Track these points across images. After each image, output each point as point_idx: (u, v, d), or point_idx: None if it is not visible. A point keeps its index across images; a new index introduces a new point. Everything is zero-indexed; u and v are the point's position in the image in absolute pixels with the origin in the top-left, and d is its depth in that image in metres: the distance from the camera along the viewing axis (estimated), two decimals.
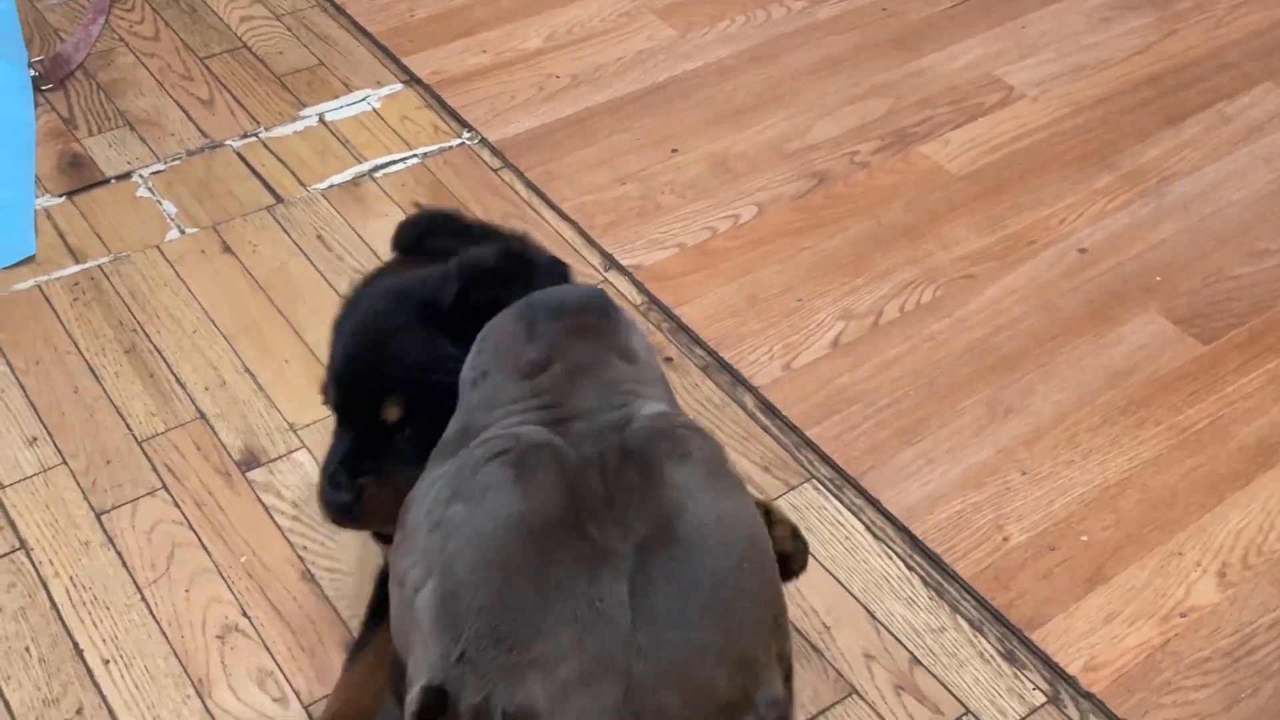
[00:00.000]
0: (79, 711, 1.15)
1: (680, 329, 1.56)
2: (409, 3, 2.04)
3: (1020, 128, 1.86)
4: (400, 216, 1.66)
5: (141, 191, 1.69)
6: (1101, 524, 1.35)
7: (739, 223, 1.70)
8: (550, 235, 1.67)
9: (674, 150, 1.81)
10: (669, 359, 1.52)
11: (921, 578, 1.30)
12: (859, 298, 1.60)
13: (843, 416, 1.45)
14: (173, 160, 1.74)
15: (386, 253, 1.61)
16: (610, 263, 1.64)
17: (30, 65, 1.82)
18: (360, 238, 1.65)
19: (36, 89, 1.81)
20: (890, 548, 1.33)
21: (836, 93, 1.91)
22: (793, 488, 1.38)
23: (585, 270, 1.62)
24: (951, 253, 1.66)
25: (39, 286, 1.55)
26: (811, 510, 1.36)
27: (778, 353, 1.53)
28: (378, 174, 1.74)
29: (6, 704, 1.15)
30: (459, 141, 1.81)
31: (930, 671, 1.22)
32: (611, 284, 1.61)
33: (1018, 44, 2.02)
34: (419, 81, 1.90)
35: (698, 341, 1.55)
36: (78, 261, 1.59)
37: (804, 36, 2.02)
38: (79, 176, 1.71)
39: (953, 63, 1.98)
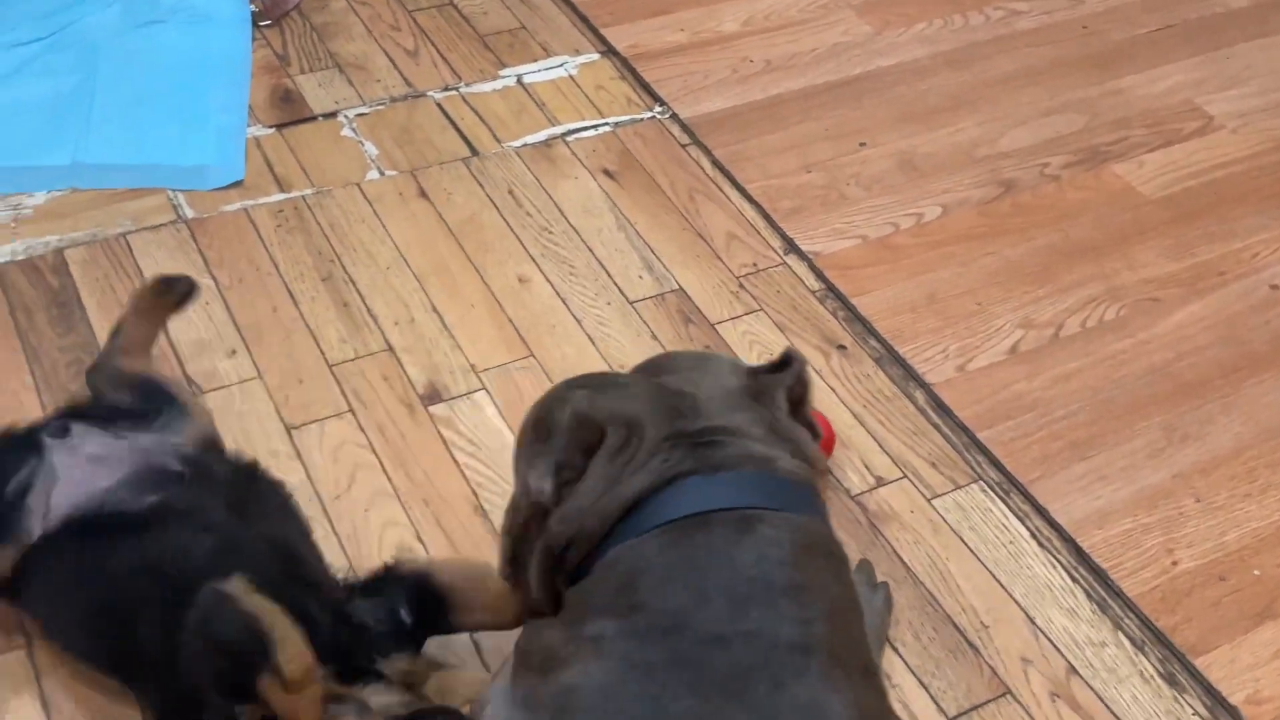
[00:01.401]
0: None
1: (856, 319, 1.57)
2: None
3: (1218, 158, 1.82)
4: (589, 181, 1.71)
5: (346, 131, 1.75)
6: (1275, 560, 1.32)
7: (922, 221, 1.70)
8: (733, 214, 1.69)
9: (862, 144, 1.82)
10: (842, 346, 1.53)
11: (1085, 590, 1.29)
12: (1040, 308, 1.58)
13: (1016, 423, 1.44)
14: (377, 105, 1.80)
15: (573, 213, 1.66)
16: (790, 247, 1.65)
17: (251, 1, 1.90)
18: (549, 196, 1.69)
19: (255, 24, 1.89)
20: (1055, 557, 1.32)
21: (1031, 104, 1.90)
22: (959, 487, 1.38)
23: (764, 253, 1.64)
24: (1138, 274, 1.64)
25: (246, 210, 1.62)
26: (977, 511, 1.35)
27: (953, 353, 1.53)
28: (569, 138, 1.78)
29: None
30: (650, 114, 1.84)
31: (1088, 683, 1.21)
32: (789, 267, 1.63)
33: (1220, 74, 1.98)
34: (616, 53, 1.93)
35: (873, 333, 1.55)
36: (283, 190, 1.65)
37: (1001, 45, 2.01)
38: (289, 111, 1.78)
39: (1152, 86, 1.95)
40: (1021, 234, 1.69)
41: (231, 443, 1.35)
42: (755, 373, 1.06)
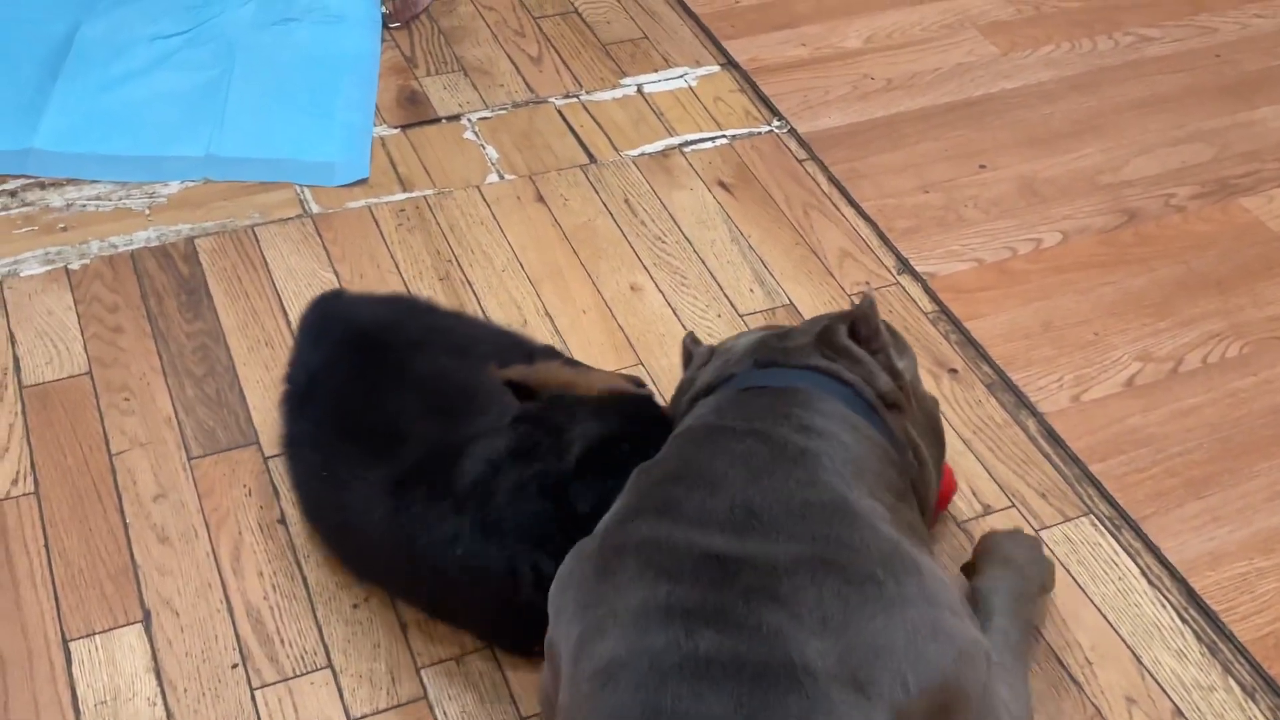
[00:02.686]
0: None
1: (969, 342, 1.55)
2: None
3: None
4: (704, 193, 1.72)
5: (468, 134, 1.79)
6: None
7: (1041, 247, 1.68)
8: (847, 231, 1.68)
9: (982, 166, 1.80)
10: (954, 370, 1.52)
11: (1195, 632, 1.26)
12: (1160, 341, 1.55)
13: (1129, 457, 1.42)
14: (499, 109, 1.83)
15: (687, 223, 1.67)
16: (904, 267, 1.64)
17: (382, 2, 1.94)
18: (664, 206, 1.70)
19: (385, 25, 1.93)
20: (1165, 597, 1.29)
21: (1158, 132, 1.86)
22: (1069, 519, 1.35)
23: (878, 271, 1.63)
24: (1264, 311, 1.59)
25: (369, 208, 1.66)
26: (1086, 545, 1.33)
27: (1068, 383, 1.50)
28: (687, 149, 1.79)
29: None
30: (768, 129, 1.84)
31: None
32: (902, 287, 1.61)
33: None
34: (736, 66, 1.94)
35: (985, 358, 1.53)
36: (405, 190, 1.69)
37: (1130, 71, 1.97)
38: (414, 112, 1.82)
39: None
40: (1143, 264, 1.66)
41: None
42: (834, 320, 1.23)
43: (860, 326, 1.20)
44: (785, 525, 0.99)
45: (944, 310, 1.59)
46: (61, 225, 1.58)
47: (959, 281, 1.63)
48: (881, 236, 1.68)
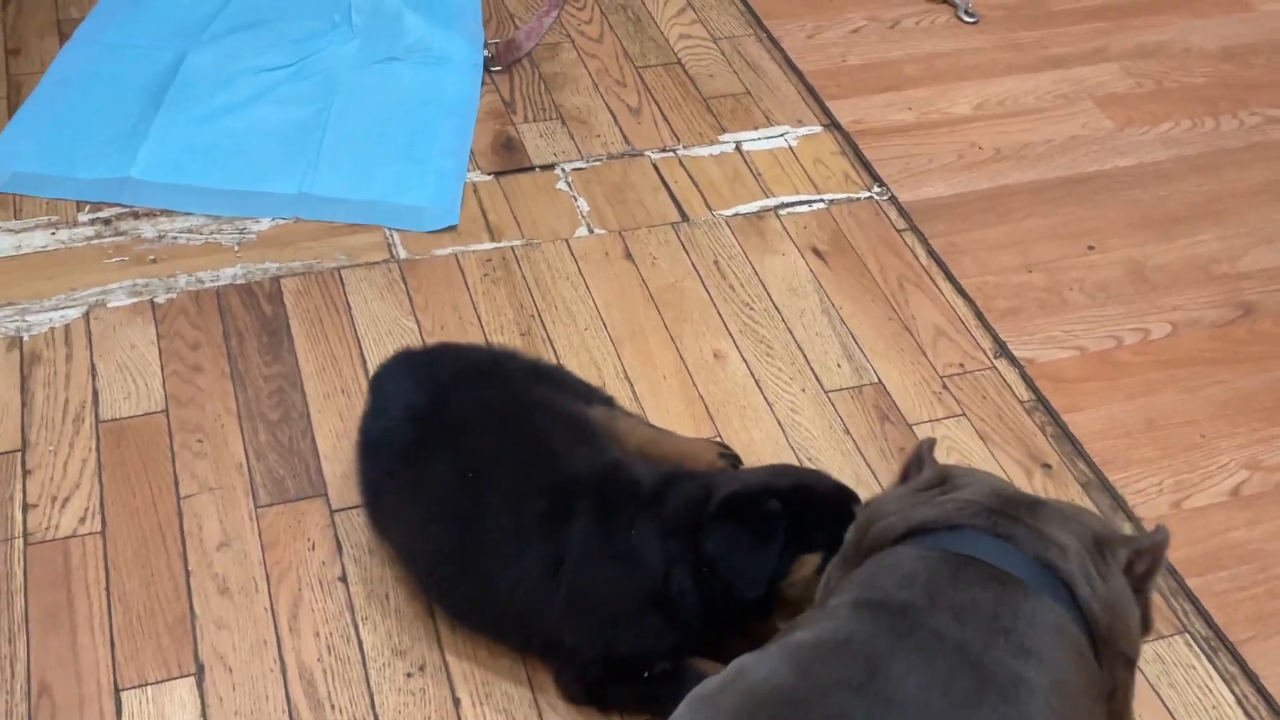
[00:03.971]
0: None
1: (1065, 436, 1.48)
2: (844, 47, 2.04)
3: None
4: (797, 259, 1.67)
5: (561, 185, 1.76)
6: None
7: (1148, 338, 1.60)
8: (943, 309, 1.62)
9: (1090, 247, 1.72)
10: (1047, 465, 1.45)
11: None
12: (1271, 449, 1.46)
13: (1231, 574, 1.33)
14: (594, 160, 1.81)
15: (777, 290, 1.63)
16: (1001, 350, 1.58)
17: (485, 46, 1.93)
18: (755, 271, 1.66)
19: (486, 69, 1.92)
20: None
21: None
22: (1161, 636, 1.28)
23: (973, 354, 1.57)
24: None
25: (456, 256, 1.64)
26: (1179, 667, 1.25)
27: (1168, 488, 1.42)
28: (782, 211, 1.75)
29: None
30: (867, 194, 1.79)
31: None
32: (998, 372, 1.55)
33: None
34: (839, 127, 1.89)
35: (1082, 454, 1.46)
36: (493, 239, 1.67)
37: (1254, 154, 1.88)
38: (509, 159, 1.80)
39: None
40: (1258, 364, 1.57)
41: None
42: (1115, 536, 1.02)
43: (1142, 562, 0.99)
44: None
45: (1041, 400, 1.52)
46: (151, 257, 1.59)
47: (1059, 370, 1.56)
48: (979, 316, 1.62)
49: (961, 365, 1.56)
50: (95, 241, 1.61)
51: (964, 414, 1.50)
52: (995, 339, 1.59)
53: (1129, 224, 1.76)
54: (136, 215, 1.65)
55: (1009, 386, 1.54)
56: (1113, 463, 1.45)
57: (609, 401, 1.36)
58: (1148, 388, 1.54)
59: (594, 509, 1.16)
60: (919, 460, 1.07)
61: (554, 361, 1.50)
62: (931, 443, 1.09)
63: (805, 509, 1.15)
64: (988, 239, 1.73)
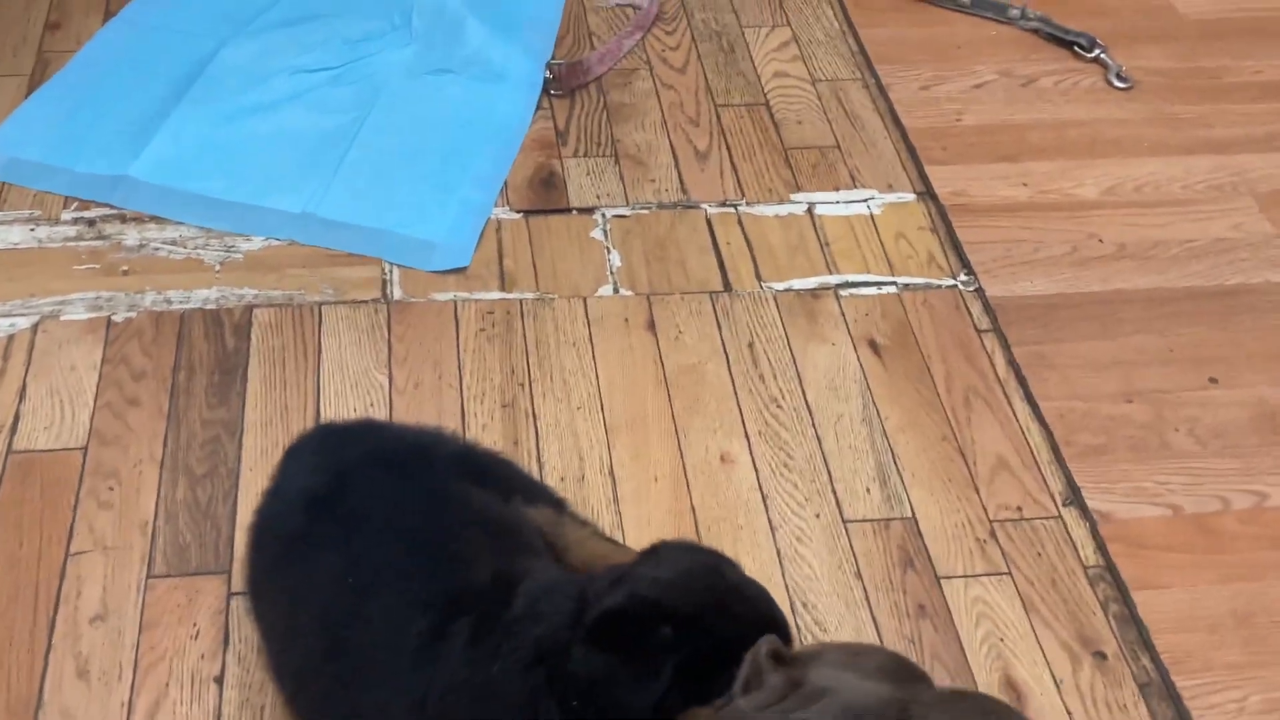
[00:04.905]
0: None
1: (1131, 620, 1.19)
2: (962, 104, 1.77)
3: None
4: (848, 351, 1.42)
5: (596, 233, 1.55)
6: None
7: (1264, 504, 1.29)
8: (1012, 434, 1.35)
9: (1212, 379, 1.42)
10: (1101, 654, 1.17)
11: None
12: None
13: None
14: (641, 208, 1.59)
15: (814, 386, 1.39)
16: (1072, 497, 1.30)
17: (547, 66, 1.73)
18: (793, 360, 1.41)
19: (544, 91, 1.72)
20: None
21: None
22: None
23: (1037, 497, 1.29)
24: None
25: (455, 303, 1.45)
26: None
27: (1253, 708, 1.13)
28: (844, 291, 1.50)
29: None
30: (950, 282, 1.52)
31: None
32: (1064, 525, 1.27)
33: None
34: (934, 197, 1.62)
35: (1148, 646, 1.17)
36: (503, 289, 1.47)
37: None
38: (545, 197, 1.60)
39: None
40: None
41: None
42: None
43: None
44: None
45: (1110, 568, 1.24)
46: (124, 268, 1.45)
47: (1140, 532, 1.27)
48: (1054, 450, 1.34)
49: (1019, 510, 1.29)
50: (72, 244, 1.48)
51: (1009, 572, 1.23)
52: (1068, 482, 1.31)
53: (1266, 355, 1.44)
54: (124, 219, 1.51)
55: (1073, 545, 1.26)
56: (1186, 663, 1.16)
57: (558, 504, 1.15)
58: (1251, 570, 1.24)
59: (470, 629, 0.95)
60: (756, 670, 0.82)
61: (533, 453, 1.29)
62: (772, 644, 0.83)
63: (709, 643, 0.90)
64: (1085, 354, 1.44)
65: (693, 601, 0.93)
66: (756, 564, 1.21)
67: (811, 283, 1.51)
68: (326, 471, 1.06)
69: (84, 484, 1.23)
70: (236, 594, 1.15)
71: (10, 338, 1.36)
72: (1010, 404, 1.39)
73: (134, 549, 1.18)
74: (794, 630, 1.07)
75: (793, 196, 1.62)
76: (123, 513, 1.21)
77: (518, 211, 1.57)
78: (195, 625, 1.13)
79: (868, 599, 1.20)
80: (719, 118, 1.73)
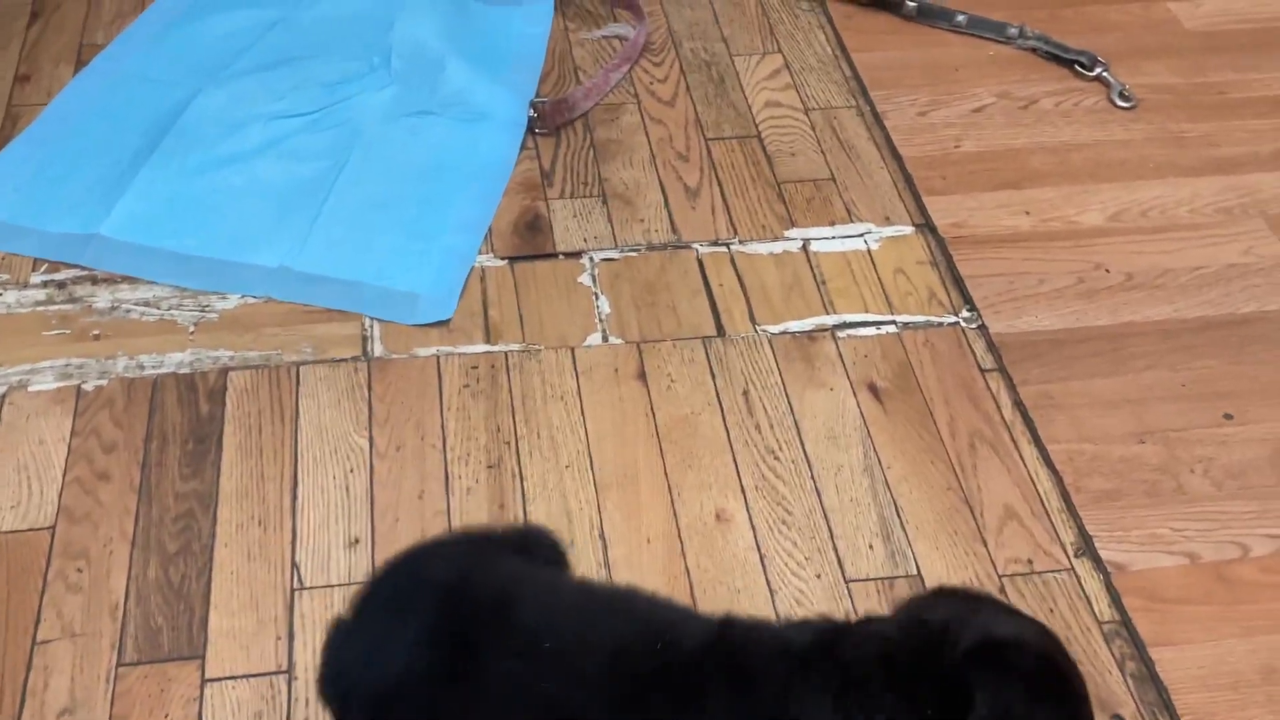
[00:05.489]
0: None
1: (1149, 679, 1.14)
2: (960, 129, 1.71)
3: None
4: (847, 396, 1.37)
5: (584, 278, 1.50)
6: None
7: None
8: (1020, 480, 1.29)
9: (1228, 416, 1.36)
10: (1119, 717, 1.11)
11: None
12: None
13: None
14: (630, 250, 1.54)
15: (813, 436, 1.33)
16: (1084, 547, 1.24)
17: (531, 104, 1.68)
18: (790, 409, 1.36)
19: (529, 130, 1.67)
20: None
21: None
22: None
23: (1047, 548, 1.23)
24: None
25: (438, 358, 1.40)
26: None
27: None
28: (842, 333, 1.44)
29: None
30: (952, 319, 1.46)
31: None
32: (1076, 578, 1.21)
33: None
34: (933, 230, 1.57)
35: (1167, 707, 1.11)
36: (488, 341, 1.42)
37: None
38: (531, 242, 1.54)
39: None
40: None
41: (308, 661, 1.13)
42: None
43: None
44: None
45: (1126, 623, 1.18)
46: (95, 332, 1.40)
47: (1157, 583, 1.21)
48: (1065, 497, 1.28)
49: (1030, 563, 1.23)
50: (41, 308, 1.43)
51: None
52: (1079, 531, 1.25)
53: None
54: (95, 280, 1.46)
55: (1087, 600, 1.20)
56: None
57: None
58: (1274, 622, 1.18)
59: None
60: None
61: (519, 518, 1.24)
62: None
63: None
64: (1094, 393, 1.38)
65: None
66: None
67: (808, 324, 1.45)
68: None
69: (52, 566, 1.18)
70: (212, 680, 1.10)
71: None
72: (1018, 448, 1.33)
73: (103, 635, 1.13)
74: None
75: (787, 233, 1.57)
76: (92, 596, 1.16)
77: (502, 258, 1.52)
78: (167, 715, 1.08)
79: None
80: (709, 152, 1.68)
